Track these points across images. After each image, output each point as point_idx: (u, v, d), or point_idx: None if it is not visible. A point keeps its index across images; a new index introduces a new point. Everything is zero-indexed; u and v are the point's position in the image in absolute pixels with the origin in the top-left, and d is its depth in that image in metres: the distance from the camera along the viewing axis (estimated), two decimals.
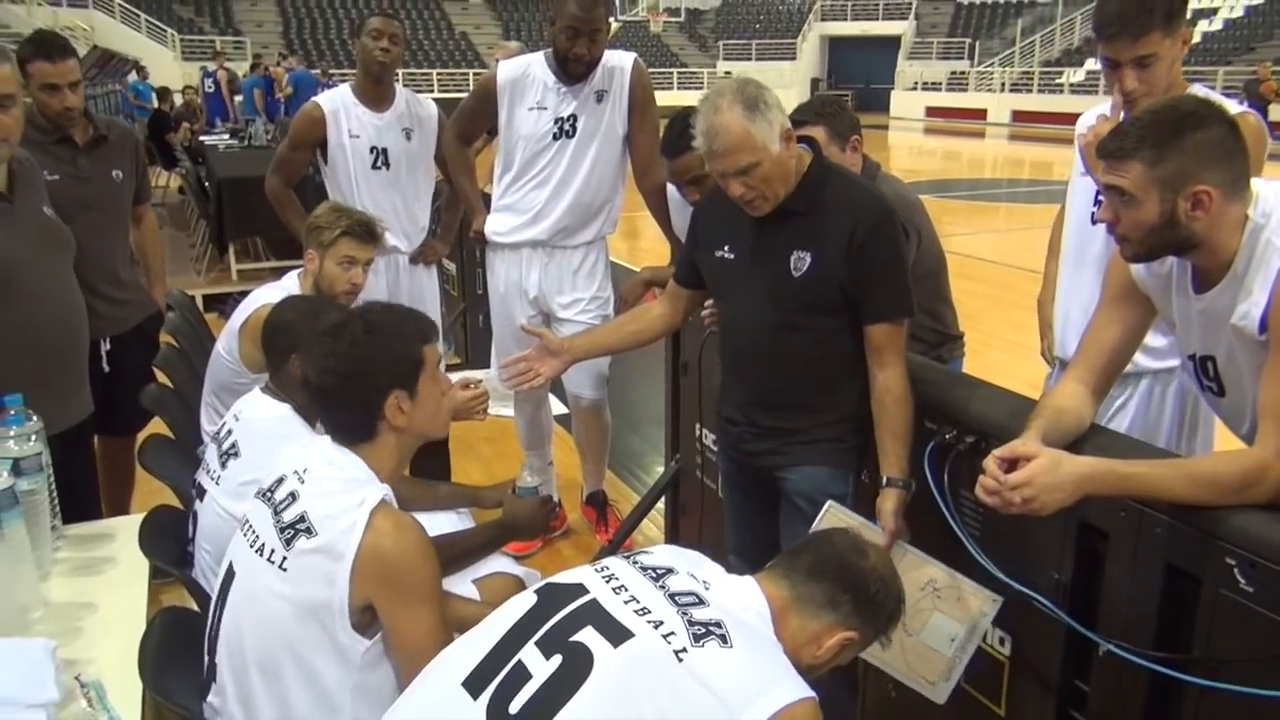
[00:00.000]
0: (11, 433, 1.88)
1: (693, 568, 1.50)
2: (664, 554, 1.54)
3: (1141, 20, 2.02)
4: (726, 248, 2.11)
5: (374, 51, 3.41)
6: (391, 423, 1.65)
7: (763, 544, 2.25)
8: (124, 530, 2.13)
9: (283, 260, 7.67)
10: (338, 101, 3.53)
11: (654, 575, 1.46)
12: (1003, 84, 28.58)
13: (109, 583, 1.94)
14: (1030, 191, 15.68)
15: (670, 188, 3.06)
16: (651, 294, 3.07)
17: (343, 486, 1.59)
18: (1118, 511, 1.69)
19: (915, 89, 31.32)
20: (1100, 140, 1.65)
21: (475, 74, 26.49)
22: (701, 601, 1.41)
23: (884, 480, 2.01)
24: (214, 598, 1.69)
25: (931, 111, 29.70)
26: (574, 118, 3.19)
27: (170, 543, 2.08)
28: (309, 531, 1.55)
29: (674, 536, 3.44)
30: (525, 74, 3.21)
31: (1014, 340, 5.48)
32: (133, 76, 16.03)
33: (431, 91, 23.88)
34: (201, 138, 11.20)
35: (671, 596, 1.41)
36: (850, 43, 33.44)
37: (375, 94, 3.51)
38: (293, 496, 1.61)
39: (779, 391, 2.10)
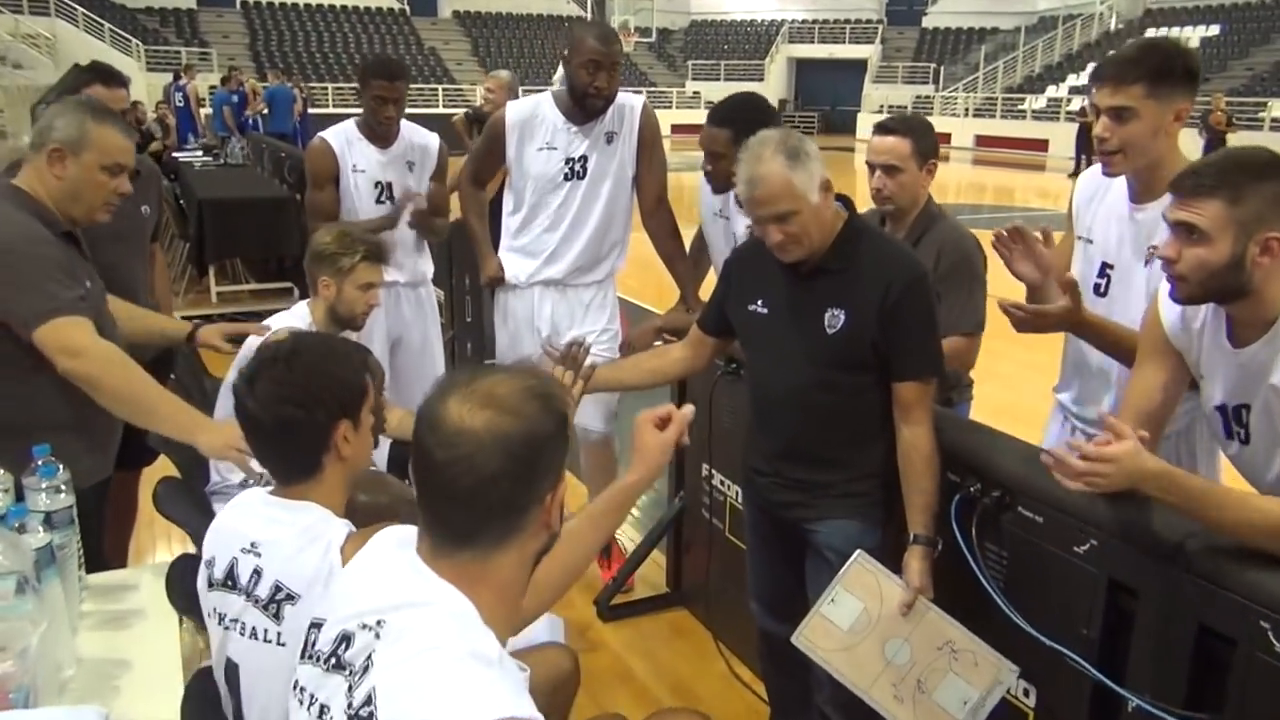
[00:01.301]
0: (43, 485, 1.85)
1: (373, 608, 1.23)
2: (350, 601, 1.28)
3: (1124, 70, 2.03)
4: (759, 302, 2.16)
5: (380, 116, 3.54)
6: (339, 453, 1.62)
7: (785, 590, 2.29)
8: (147, 580, 2.10)
9: (262, 283, 7.64)
10: (343, 137, 3.60)
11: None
12: (967, 109, 29.07)
13: (140, 637, 1.92)
14: (992, 218, 16.00)
15: (703, 189, 3.03)
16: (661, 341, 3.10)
17: (302, 541, 1.56)
18: (1148, 570, 1.73)
19: (881, 112, 31.67)
20: (1176, 176, 1.67)
21: (445, 89, 26.46)
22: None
23: (911, 537, 2.04)
24: (224, 694, 1.66)
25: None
26: (585, 159, 3.21)
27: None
28: (291, 598, 1.53)
29: (677, 574, 3.46)
30: (534, 114, 3.22)
31: (992, 370, 5.56)
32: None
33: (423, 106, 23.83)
34: (175, 154, 11.06)
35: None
36: (817, 65, 33.81)
37: (380, 131, 3.59)
38: (257, 574, 1.57)
39: (809, 445, 2.14)
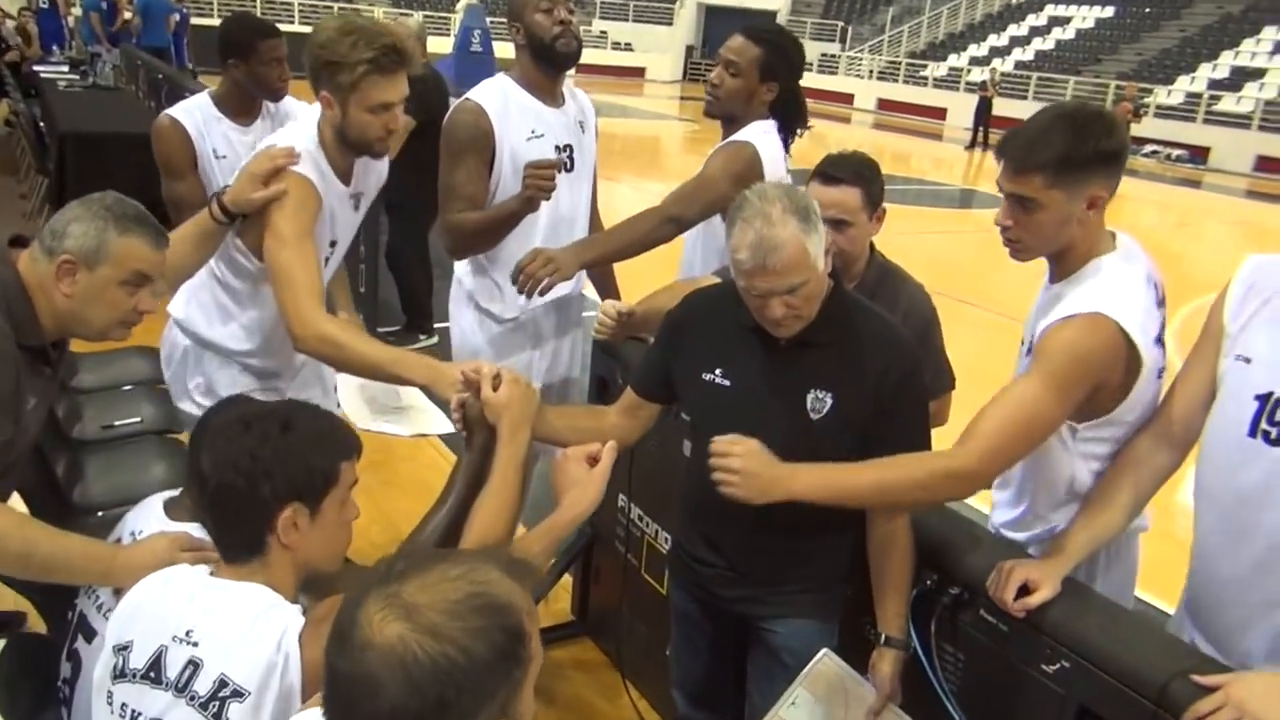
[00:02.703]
0: None
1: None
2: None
3: (1024, 156, 1.75)
4: (719, 371, 1.87)
5: (279, 77, 3.13)
6: (282, 538, 1.42)
7: (717, 684, 2.10)
8: None
9: None
10: (197, 115, 3.18)
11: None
12: (871, 71, 29.17)
13: None
14: (889, 189, 16.15)
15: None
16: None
17: (250, 629, 1.36)
18: (1126, 706, 1.59)
19: None
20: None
21: (342, 8, 25.05)
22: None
23: (882, 639, 1.86)
24: None
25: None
26: (570, 147, 2.76)
27: (37, 681, 1.75)
28: (239, 694, 1.33)
29: (583, 604, 3.25)
30: (505, 97, 2.67)
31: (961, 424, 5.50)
32: None
33: (292, 22, 22.45)
34: (36, 67, 10.07)
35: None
36: (726, 14, 33.29)
37: (276, 97, 3.15)
38: (194, 666, 1.36)
39: (772, 540, 1.89)
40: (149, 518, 1.82)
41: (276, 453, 1.39)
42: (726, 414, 1.86)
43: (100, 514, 2.85)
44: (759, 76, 2.60)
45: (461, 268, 2.84)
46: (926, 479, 1.73)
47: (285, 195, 2.19)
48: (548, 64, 2.67)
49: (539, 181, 2.42)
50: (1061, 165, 1.74)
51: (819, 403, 1.80)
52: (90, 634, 1.75)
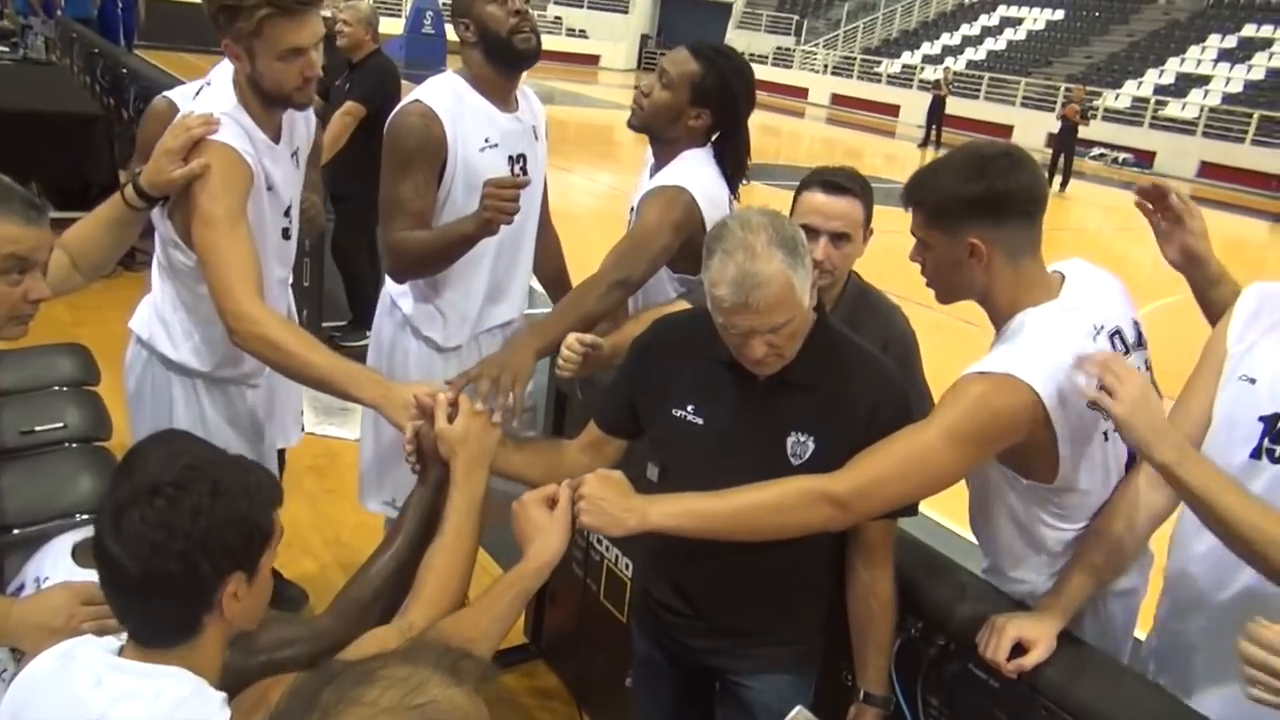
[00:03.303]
0: None
1: None
2: None
3: (909, 192, 1.72)
4: (691, 408, 1.73)
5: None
6: (225, 613, 1.21)
7: None
8: None
9: (65, 210, 6.64)
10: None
11: None
12: (825, 65, 29.21)
13: None
14: None
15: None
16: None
17: None
18: None
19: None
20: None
21: None
22: None
23: (861, 695, 1.75)
24: None
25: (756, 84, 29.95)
26: (524, 157, 2.49)
27: None
28: None
29: (538, 627, 3.11)
30: (457, 99, 2.36)
31: None
32: None
33: None
34: None
35: None
36: (682, 3, 33.22)
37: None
38: None
39: (745, 587, 1.76)
40: (56, 564, 1.63)
41: (213, 524, 1.18)
42: (698, 455, 1.72)
43: (16, 532, 2.62)
44: (689, 97, 2.28)
45: (397, 288, 2.56)
46: (793, 499, 1.59)
47: (208, 171, 1.97)
48: (504, 62, 2.38)
49: (499, 204, 2.11)
50: (936, 208, 1.67)
51: (800, 447, 1.66)
52: None
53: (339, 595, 1.54)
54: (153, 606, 1.19)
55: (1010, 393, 1.56)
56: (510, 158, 2.45)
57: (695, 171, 2.30)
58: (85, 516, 2.69)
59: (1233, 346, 1.69)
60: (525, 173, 2.48)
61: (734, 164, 2.40)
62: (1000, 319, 1.71)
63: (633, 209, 2.45)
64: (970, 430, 1.57)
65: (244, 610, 1.24)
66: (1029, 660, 1.57)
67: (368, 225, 5.20)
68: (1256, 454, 1.61)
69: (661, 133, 2.36)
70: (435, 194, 2.36)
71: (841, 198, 2.06)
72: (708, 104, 2.29)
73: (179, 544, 1.15)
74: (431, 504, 1.65)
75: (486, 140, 2.38)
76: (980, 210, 1.63)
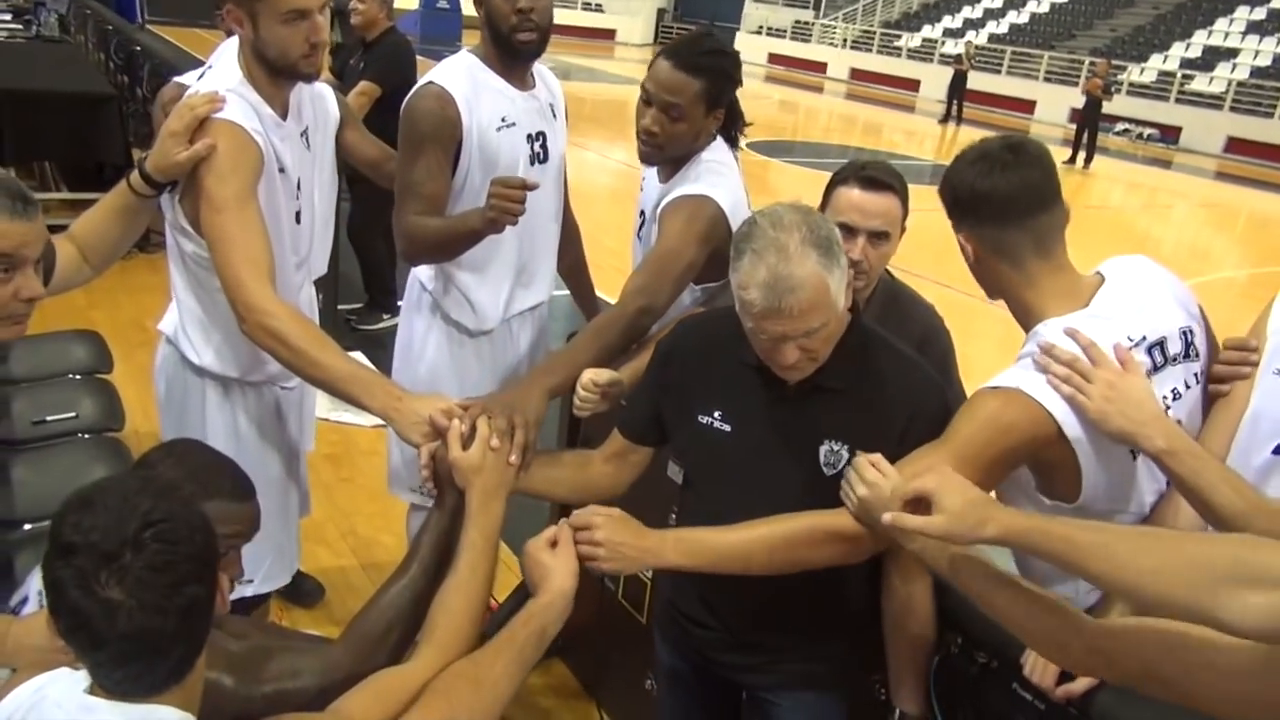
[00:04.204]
0: None
1: None
2: None
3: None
4: (718, 414, 1.65)
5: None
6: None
7: None
8: None
9: (78, 191, 6.62)
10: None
11: None
12: (845, 39, 28.88)
13: None
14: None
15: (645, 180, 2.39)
16: None
17: None
18: None
19: (760, 33, 31.23)
20: None
21: None
22: None
23: (896, 714, 1.68)
24: None
25: (774, 59, 29.71)
26: (543, 135, 2.42)
27: None
28: None
29: None
30: (472, 80, 2.30)
31: None
32: None
33: None
34: None
35: None
36: None
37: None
38: None
39: (777, 603, 1.67)
40: None
41: (199, 565, 1.05)
42: (726, 464, 1.64)
43: (27, 527, 2.59)
44: (705, 110, 2.10)
45: (425, 273, 2.51)
46: (806, 535, 1.54)
47: (214, 151, 1.89)
48: (506, 55, 2.33)
49: (505, 204, 2.05)
50: (942, 199, 1.64)
51: (834, 456, 1.58)
52: None
53: (351, 624, 1.47)
54: (146, 663, 1.06)
55: (1020, 410, 1.48)
56: (529, 136, 2.39)
57: (718, 174, 2.17)
58: None
59: (1273, 335, 1.61)
60: (545, 151, 2.43)
61: (737, 126, 2.29)
62: (1023, 324, 1.63)
63: (642, 213, 2.37)
64: (980, 452, 1.49)
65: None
66: (1078, 686, 1.48)
67: (384, 208, 5.12)
68: (1278, 450, 1.54)
69: (684, 155, 2.19)
70: (450, 177, 2.30)
71: (881, 194, 1.94)
72: (722, 101, 2.15)
73: (183, 602, 1.03)
74: (447, 531, 1.58)
75: (503, 119, 2.32)
76: (961, 208, 1.61)
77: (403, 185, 2.28)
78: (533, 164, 2.40)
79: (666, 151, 2.15)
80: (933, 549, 1.42)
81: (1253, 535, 1.29)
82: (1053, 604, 1.35)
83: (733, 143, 2.29)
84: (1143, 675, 1.25)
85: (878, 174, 1.95)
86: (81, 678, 1.12)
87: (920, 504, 1.35)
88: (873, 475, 1.46)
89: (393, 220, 2.34)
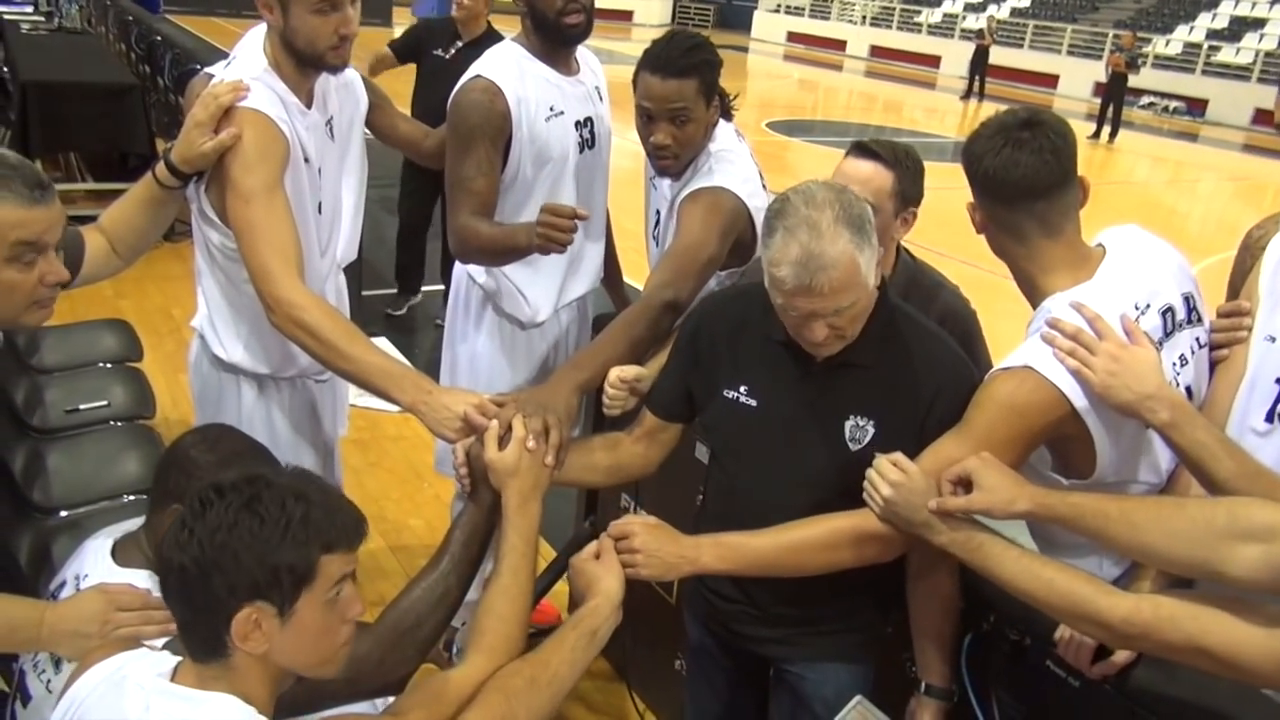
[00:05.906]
0: None
1: None
2: None
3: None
4: (744, 389, 1.66)
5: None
6: (239, 644, 1.13)
7: None
8: None
9: (103, 181, 6.67)
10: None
11: None
12: (864, 16, 28.59)
13: None
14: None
15: (651, 184, 2.44)
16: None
17: None
18: None
19: (778, 11, 31.00)
20: None
21: None
22: None
23: (923, 687, 1.67)
24: None
25: (792, 37, 29.50)
26: (590, 121, 2.44)
27: None
28: None
29: None
30: (520, 73, 2.31)
31: None
32: None
33: None
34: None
35: None
36: None
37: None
38: None
39: (802, 580, 1.66)
40: (96, 562, 1.57)
41: (230, 542, 1.11)
42: (752, 439, 1.66)
43: (64, 514, 2.62)
44: (706, 104, 2.13)
45: (473, 266, 2.53)
46: (842, 538, 1.56)
47: (240, 141, 1.88)
48: (549, 40, 2.33)
49: (553, 233, 2.03)
50: (964, 168, 1.61)
51: (860, 431, 1.59)
52: (27, 698, 1.53)
53: (381, 617, 1.48)
54: (176, 602, 1.15)
55: (1033, 389, 1.48)
56: (577, 123, 2.40)
57: (729, 163, 2.18)
58: (131, 498, 2.69)
59: (1265, 298, 1.61)
60: (594, 139, 2.45)
61: (726, 105, 2.31)
62: (1028, 296, 1.63)
63: (656, 213, 2.37)
64: (1001, 437, 1.49)
65: (279, 649, 1.15)
66: (1117, 660, 1.48)
67: (427, 199, 5.12)
68: (1270, 417, 1.54)
69: (696, 153, 2.21)
70: (501, 170, 2.30)
71: (866, 162, 1.94)
72: (715, 92, 2.17)
73: (194, 550, 1.11)
74: (479, 527, 1.59)
75: (552, 109, 2.33)
76: (971, 180, 1.60)
77: (453, 181, 2.28)
78: (581, 151, 2.42)
79: (683, 158, 2.17)
80: (960, 540, 1.45)
81: (1245, 495, 1.35)
82: (1086, 577, 1.36)
83: (728, 115, 2.31)
84: (1187, 647, 1.26)
85: (871, 144, 1.97)
86: (164, 661, 1.18)
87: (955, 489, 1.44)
88: (896, 475, 1.47)
89: (446, 217, 2.35)
